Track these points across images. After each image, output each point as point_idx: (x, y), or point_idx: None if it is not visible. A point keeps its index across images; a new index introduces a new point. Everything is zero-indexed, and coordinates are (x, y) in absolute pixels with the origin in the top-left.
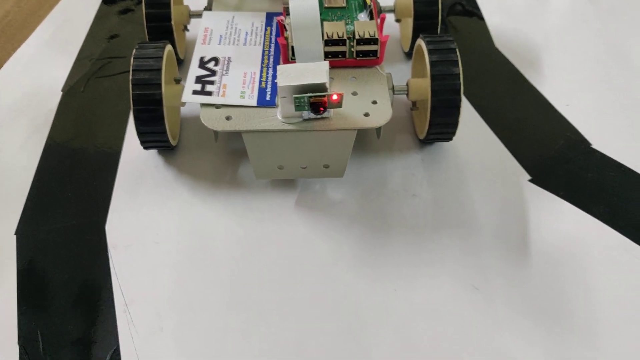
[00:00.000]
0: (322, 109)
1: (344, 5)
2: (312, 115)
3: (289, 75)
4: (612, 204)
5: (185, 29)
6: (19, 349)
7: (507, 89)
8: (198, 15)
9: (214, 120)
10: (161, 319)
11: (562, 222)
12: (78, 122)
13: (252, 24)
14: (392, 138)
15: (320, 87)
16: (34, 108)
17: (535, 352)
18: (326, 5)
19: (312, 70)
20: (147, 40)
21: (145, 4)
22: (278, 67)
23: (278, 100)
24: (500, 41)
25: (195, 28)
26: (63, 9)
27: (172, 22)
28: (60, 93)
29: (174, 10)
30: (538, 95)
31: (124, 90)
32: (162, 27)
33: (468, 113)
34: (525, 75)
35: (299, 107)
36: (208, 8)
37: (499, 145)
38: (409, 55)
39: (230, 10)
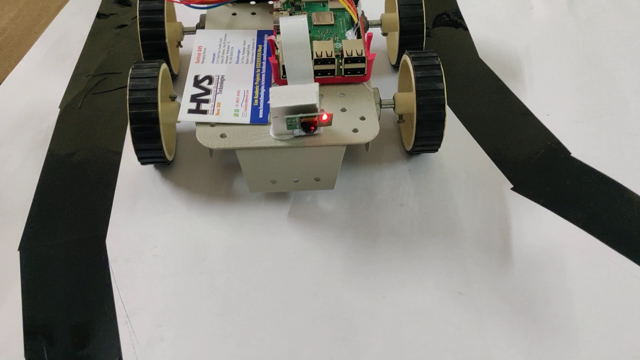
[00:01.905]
0: (312, 127)
1: (332, 22)
2: (303, 133)
3: (281, 97)
4: (589, 210)
5: (179, 45)
6: None
7: (490, 100)
8: (191, 31)
9: (209, 138)
10: (161, 329)
11: (542, 228)
12: (76, 138)
13: (244, 42)
14: (380, 149)
15: (311, 108)
16: (33, 125)
17: (516, 353)
18: (315, 23)
19: (302, 91)
20: (142, 57)
21: (140, 23)
22: (271, 89)
23: (270, 117)
24: (484, 52)
25: (189, 43)
26: (58, 24)
27: (167, 40)
28: (58, 110)
29: (167, 27)
30: (520, 105)
31: (120, 106)
32: (157, 44)
33: (453, 124)
34: (508, 85)
35: (290, 126)
36: (201, 26)
37: (482, 155)
38: (396, 67)
39: (222, 29)
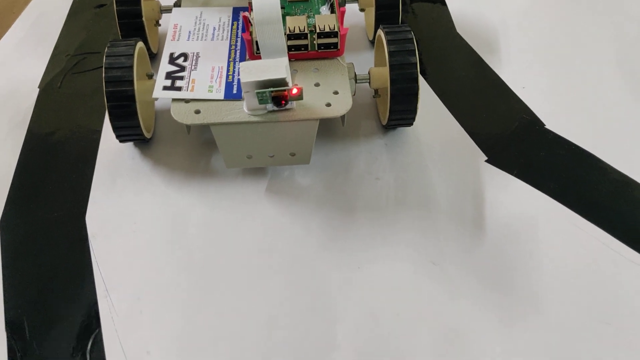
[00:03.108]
0: (283, 102)
1: None
2: (276, 108)
3: (251, 72)
4: (561, 180)
5: (157, 24)
6: (6, 335)
7: (467, 73)
8: (169, 10)
9: (183, 114)
10: (140, 302)
11: (514, 199)
12: (56, 117)
13: (219, 19)
14: (357, 124)
15: (281, 82)
16: (12, 105)
17: (487, 320)
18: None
19: (272, 66)
20: (120, 36)
21: (116, 2)
22: (241, 64)
23: (244, 94)
24: (461, 26)
25: (167, 23)
26: (37, 4)
27: (144, 19)
28: (37, 90)
29: (144, 6)
30: (496, 78)
31: (99, 85)
32: (134, 23)
33: (429, 98)
34: (485, 59)
35: (262, 100)
36: (177, 4)
37: (458, 128)
38: (373, 43)
39: (198, 7)
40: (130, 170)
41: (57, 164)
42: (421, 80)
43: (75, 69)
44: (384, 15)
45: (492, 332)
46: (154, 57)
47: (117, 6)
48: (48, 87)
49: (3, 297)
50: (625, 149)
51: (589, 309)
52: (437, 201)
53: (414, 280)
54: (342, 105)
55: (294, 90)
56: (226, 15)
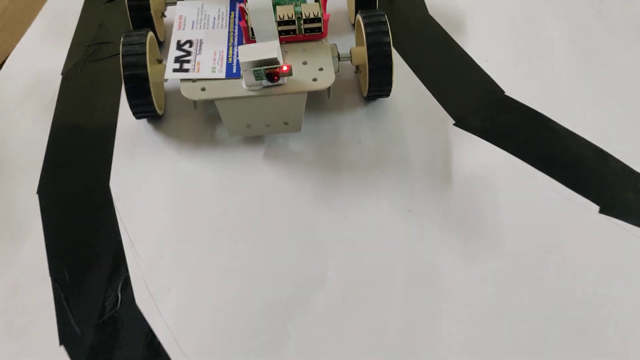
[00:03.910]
0: (276, 77)
1: None
2: (270, 83)
3: (248, 53)
4: (519, 139)
5: (163, 15)
6: (51, 281)
7: (437, 50)
8: (173, 3)
9: (191, 92)
10: (161, 250)
11: (478, 156)
12: (78, 101)
13: (218, 10)
14: (342, 97)
15: (273, 61)
16: (40, 91)
17: (453, 255)
18: None
19: (265, 47)
20: (132, 28)
21: None
22: (239, 47)
23: (242, 72)
24: (433, 9)
25: (172, 14)
26: (54, 2)
27: (152, 12)
28: (61, 77)
29: (151, 0)
30: (463, 53)
31: (114, 71)
32: (143, 16)
33: (404, 72)
34: (453, 36)
35: (257, 77)
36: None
37: (429, 98)
38: (354, 26)
39: (200, 0)
40: (146, 143)
41: (82, 139)
42: (397, 57)
43: (92, 58)
44: (363, 1)
45: (456, 265)
46: (162, 45)
47: (128, 1)
48: (70, 74)
49: (46, 250)
50: (571, 110)
51: (538, 244)
52: (411, 160)
53: (392, 224)
54: (326, 79)
55: (284, 68)
56: (224, 6)
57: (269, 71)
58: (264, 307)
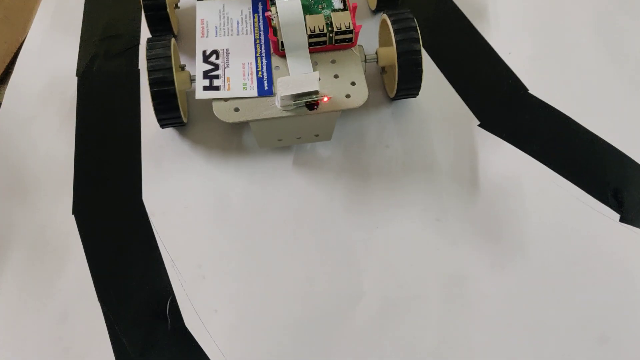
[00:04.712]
0: (315, 107)
1: None
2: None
3: (289, 86)
4: (543, 142)
5: (177, 6)
6: (101, 305)
7: (459, 40)
8: None
9: (225, 113)
10: (201, 269)
11: (504, 160)
12: (98, 105)
13: (240, 12)
14: None
15: (313, 93)
16: (58, 96)
17: (483, 265)
18: None
19: (306, 80)
20: (148, 27)
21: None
22: (278, 79)
23: (275, 89)
24: None
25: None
26: None
27: (167, 10)
28: (76, 79)
29: None
30: (485, 44)
31: (130, 68)
32: (159, 14)
33: (428, 67)
34: (474, 24)
35: (297, 107)
36: None
37: (454, 96)
38: (374, 12)
39: None
40: (173, 151)
41: (109, 151)
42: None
43: (105, 54)
44: None
45: (486, 276)
46: (175, 38)
47: (143, 1)
48: (85, 75)
49: (90, 273)
50: (594, 110)
51: (564, 254)
52: (438, 164)
53: (422, 235)
54: (359, 96)
55: (325, 99)
56: (247, 8)
57: (309, 102)
58: (306, 323)
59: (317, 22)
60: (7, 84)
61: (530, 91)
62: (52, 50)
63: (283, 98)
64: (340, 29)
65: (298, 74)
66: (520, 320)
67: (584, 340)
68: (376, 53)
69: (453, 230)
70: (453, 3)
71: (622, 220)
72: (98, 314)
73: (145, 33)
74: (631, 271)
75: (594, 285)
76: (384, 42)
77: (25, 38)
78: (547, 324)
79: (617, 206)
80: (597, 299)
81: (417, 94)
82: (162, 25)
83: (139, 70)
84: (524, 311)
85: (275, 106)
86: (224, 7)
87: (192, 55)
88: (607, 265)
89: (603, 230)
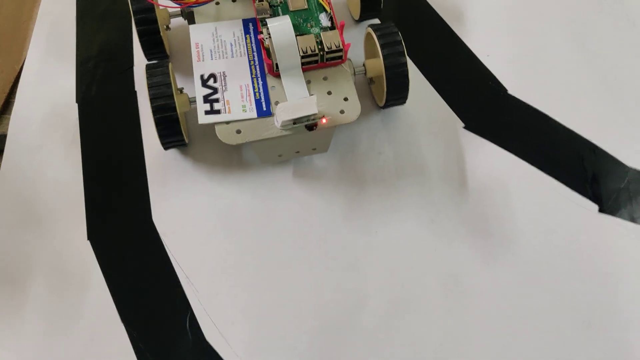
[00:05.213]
0: (314, 128)
1: (306, 6)
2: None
3: (289, 111)
4: (524, 140)
5: (167, 28)
6: (125, 326)
7: (440, 45)
8: (177, 15)
9: (228, 136)
10: (215, 284)
11: (489, 160)
12: (100, 128)
13: (233, 33)
14: None
15: (313, 116)
16: (60, 123)
17: (477, 262)
18: (290, 9)
19: (305, 104)
20: (142, 50)
21: (136, 23)
22: (277, 105)
23: (273, 109)
24: None
25: (174, 24)
26: (45, 12)
27: (161, 34)
28: (76, 105)
29: (158, 18)
30: (465, 47)
31: (127, 90)
32: (153, 39)
33: (414, 75)
34: (453, 28)
35: (297, 129)
36: (185, 16)
37: (439, 100)
38: (357, 21)
39: (211, 21)
40: (177, 171)
41: (116, 175)
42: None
43: (101, 78)
44: None
45: (480, 273)
46: (169, 58)
47: (137, 26)
48: (85, 100)
49: (111, 296)
50: (570, 106)
51: (549, 247)
52: (428, 168)
53: (419, 237)
54: (353, 110)
55: (324, 120)
56: (238, 29)
57: (309, 124)
58: (319, 328)
59: (308, 42)
60: (9, 114)
61: (509, 92)
62: (50, 77)
63: (284, 122)
64: (331, 48)
65: (296, 99)
66: (514, 311)
67: (572, 326)
68: (364, 65)
69: (447, 230)
70: (432, 9)
71: (601, 210)
72: (122, 334)
73: (138, 53)
74: (611, 258)
75: (578, 274)
76: (370, 53)
77: (22, 66)
78: (538, 314)
79: (595, 198)
80: (582, 288)
81: (405, 101)
82: (156, 49)
83: (136, 92)
84: (517, 303)
85: (274, 126)
86: (216, 29)
87: (186, 73)
88: (589, 255)
89: (584, 221)
